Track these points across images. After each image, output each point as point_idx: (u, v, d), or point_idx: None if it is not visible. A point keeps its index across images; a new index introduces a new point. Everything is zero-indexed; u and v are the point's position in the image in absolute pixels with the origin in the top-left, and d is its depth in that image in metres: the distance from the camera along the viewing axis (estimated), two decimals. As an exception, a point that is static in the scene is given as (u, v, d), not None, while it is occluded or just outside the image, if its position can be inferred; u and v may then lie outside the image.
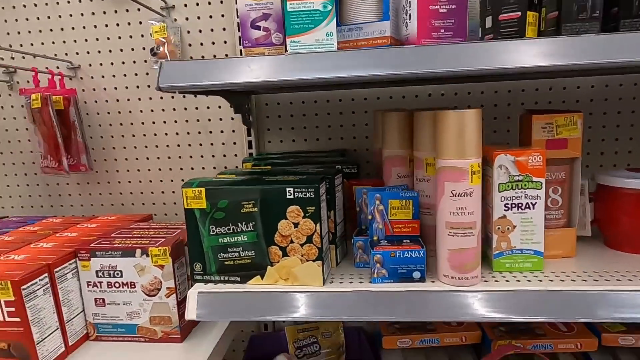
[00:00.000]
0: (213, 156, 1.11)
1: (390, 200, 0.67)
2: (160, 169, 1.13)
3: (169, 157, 1.12)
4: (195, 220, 0.66)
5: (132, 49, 1.08)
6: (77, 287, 0.80)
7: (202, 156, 1.11)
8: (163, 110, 1.10)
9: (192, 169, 1.12)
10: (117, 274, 0.79)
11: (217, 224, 0.65)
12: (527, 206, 0.64)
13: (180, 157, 1.12)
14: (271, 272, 0.66)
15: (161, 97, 1.09)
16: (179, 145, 1.11)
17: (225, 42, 1.04)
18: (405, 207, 0.67)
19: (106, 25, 1.08)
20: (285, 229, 0.64)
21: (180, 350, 0.78)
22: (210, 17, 1.04)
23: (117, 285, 0.79)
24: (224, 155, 1.10)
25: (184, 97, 1.08)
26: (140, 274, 0.78)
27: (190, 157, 1.11)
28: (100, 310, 0.81)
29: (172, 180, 1.13)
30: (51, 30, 1.09)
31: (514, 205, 0.64)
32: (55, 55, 1.09)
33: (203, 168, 1.12)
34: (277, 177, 0.67)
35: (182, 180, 1.13)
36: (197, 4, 1.03)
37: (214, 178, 0.70)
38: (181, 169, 1.12)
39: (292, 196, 0.62)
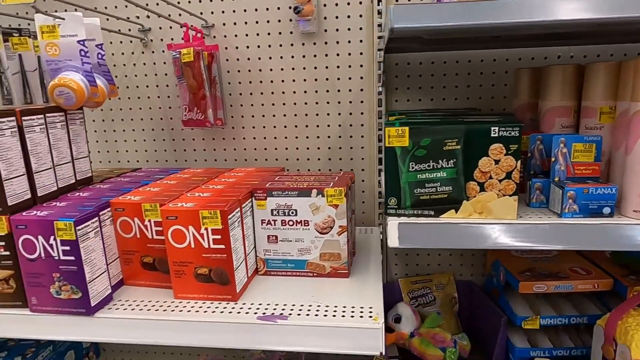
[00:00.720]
0: (339, 114, 1.16)
1: (573, 144, 0.72)
2: (285, 126, 1.19)
3: (295, 115, 1.17)
4: (395, 158, 0.72)
5: (267, 9, 1.12)
6: (251, 225, 0.87)
7: (328, 114, 1.16)
8: (293, 69, 1.15)
9: (318, 126, 1.17)
10: (292, 212, 0.85)
11: (418, 161, 0.71)
12: None
13: (306, 114, 1.17)
14: (466, 206, 0.71)
15: (292, 57, 1.14)
16: (306, 103, 1.16)
17: (360, 2, 1.08)
18: (588, 150, 0.72)
19: (242, -15, 1.12)
20: (486, 165, 0.69)
21: (353, 283, 0.84)
22: (347, -23, 1.08)
23: (291, 223, 0.86)
24: (350, 114, 1.15)
25: (314, 56, 1.13)
26: (315, 212, 0.84)
27: (317, 114, 1.17)
28: (272, 247, 0.88)
29: (296, 137, 1.19)
30: (188, -11, 1.14)
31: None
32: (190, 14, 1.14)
33: (328, 125, 1.17)
34: (475, 118, 0.72)
35: (307, 137, 1.18)
36: (336, -35, 1.07)
37: (410, 119, 0.75)
38: (306, 126, 1.18)
39: (496, 135, 0.68)
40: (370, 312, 0.73)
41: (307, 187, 0.84)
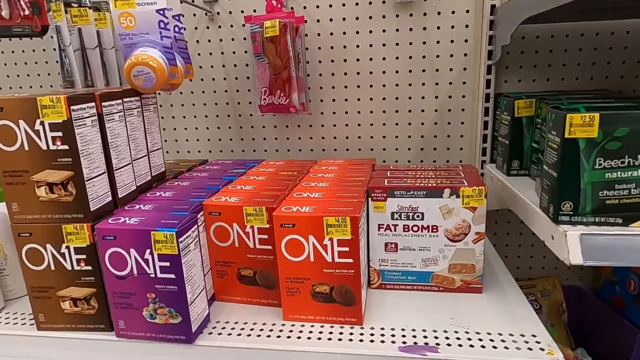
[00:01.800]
0: (436, 97, 1.01)
1: None
2: (372, 112, 1.04)
3: (384, 99, 1.03)
4: (577, 152, 0.57)
5: (356, -26, 0.96)
6: (365, 231, 0.73)
7: (423, 97, 1.01)
8: (384, 45, 0.99)
9: (410, 111, 1.02)
10: (418, 216, 0.71)
11: (608, 156, 0.56)
12: None
13: (397, 98, 1.02)
14: (669, 213, 0.57)
15: (383, 31, 0.98)
16: (397, 85, 1.01)
17: (469, -35, 0.92)
18: None
19: (327, -53, 0.96)
20: None
21: (491, 301, 0.70)
22: None
23: (415, 228, 0.72)
24: (449, 97, 1.00)
25: (410, 30, 0.97)
26: (446, 216, 0.70)
27: (409, 98, 1.02)
28: (390, 256, 0.74)
29: (384, 124, 1.04)
30: (262, -48, 0.98)
31: None
32: (265, -19, 0.98)
33: (422, 111, 1.02)
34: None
35: (396, 124, 1.03)
36: None
37: (600, 103, 0.60)
38: (396, 111, 1.03)
39: None
40: (537, 342, 0.60)
41: (437, 186, 0.70)
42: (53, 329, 0.67)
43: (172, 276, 0.60)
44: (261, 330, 0.65)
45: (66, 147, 0.58)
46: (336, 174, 0.83)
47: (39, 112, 0.57)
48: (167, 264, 0.59)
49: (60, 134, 0.58)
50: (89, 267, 0.63)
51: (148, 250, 0.59)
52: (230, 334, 0.65)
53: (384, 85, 1.02)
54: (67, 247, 0.63)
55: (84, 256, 0.63)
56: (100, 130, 0.64)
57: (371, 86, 1.02)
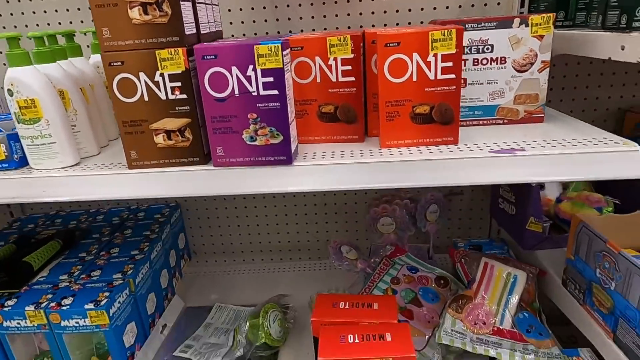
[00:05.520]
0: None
1: None
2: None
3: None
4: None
5: None
6: (436, 67, 0.76)
7: (461, -36, 1.02)
8: None
9: (448, -20, 1.03)
10: (487, 49, 0.74)
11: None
12: None
13: (435, -34, 1.02)
14: None
15: None
16: (436, -47, 1.01)
17: None
18: None
19: None
20: None
21: (554, 126, 0.76)
22: None
23: (484, 62, 0.75)
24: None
25: None
26: (515, 47, 0.74)
27: (448, -34, 1.02)
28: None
29: (422, -4, 1.05)
30: None
31: None
32: None
33: (461, -21, 1.03)
34: None
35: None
36: None
37: None
38: (435, -19, 1.04)
39: None
40: (610, 139, 0.66)
41: (506, 17, 0.73)
42: (145, 166, 0.68)
43: (275, 92, 0.61)
44: (361, 154, 0.68)
45: (162, -41, 0.57)
46: (403, 30, 0.85)
47: None
48: (271, 79, 0.60)
49: (155, -55, 0.57)
50: (184, 95, 0.64)
51: (251, 67, 0.60)
52: (324, 157, 0.68)
53: (423, -47, 1.02)
54: (162, 75, 0.63)
55: (178, 83, 0.63)
56: (184, -46, 0.63)
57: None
